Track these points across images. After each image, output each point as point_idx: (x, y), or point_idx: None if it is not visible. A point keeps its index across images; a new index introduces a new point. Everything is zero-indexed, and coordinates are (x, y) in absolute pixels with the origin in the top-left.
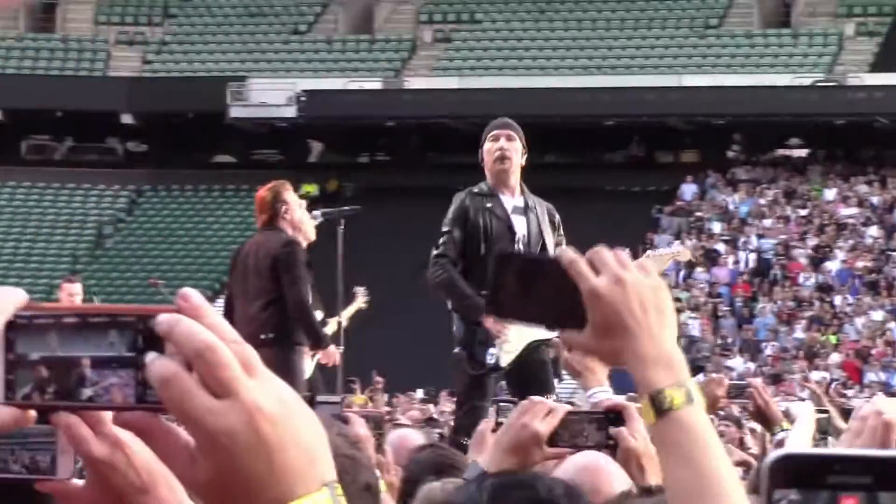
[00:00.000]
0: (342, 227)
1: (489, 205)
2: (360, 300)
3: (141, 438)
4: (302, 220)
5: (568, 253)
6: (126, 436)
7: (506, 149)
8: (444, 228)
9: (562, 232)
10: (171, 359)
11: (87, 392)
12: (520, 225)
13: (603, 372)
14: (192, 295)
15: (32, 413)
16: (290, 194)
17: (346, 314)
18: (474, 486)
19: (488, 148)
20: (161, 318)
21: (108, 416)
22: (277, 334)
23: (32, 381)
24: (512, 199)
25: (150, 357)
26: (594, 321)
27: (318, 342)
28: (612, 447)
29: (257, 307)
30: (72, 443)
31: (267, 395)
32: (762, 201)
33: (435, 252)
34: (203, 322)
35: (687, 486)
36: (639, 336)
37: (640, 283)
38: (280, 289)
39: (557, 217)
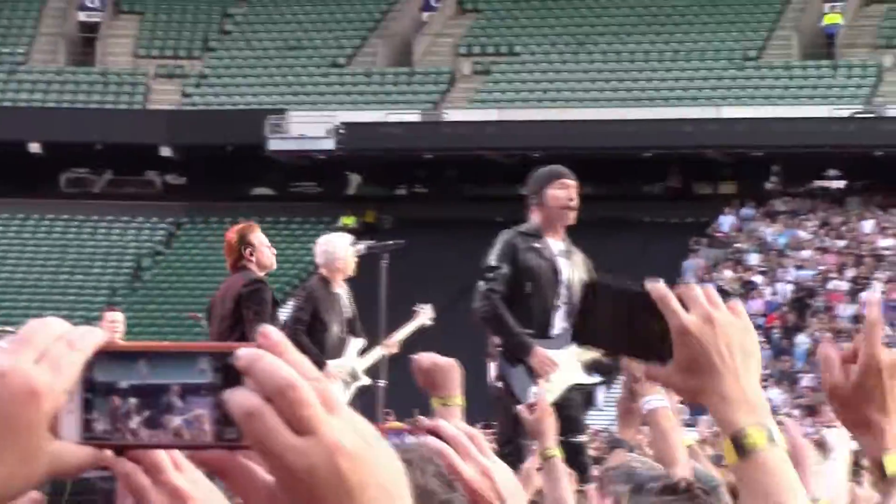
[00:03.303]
0: (386, 260)
1: (537, 245)
2: (424, 317)
3: (220, 476)
4: (271, 262)
5: (660, 287)
6: (185, 485)
7: (574, 199)
8: (493, 263)
9: None
10: (253, 393)
11: (176, 420)
12: (565, 268)
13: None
14: (272, 331)
15: (108, 452)
16: (256, 236)
17: (405, 332)
18: None
19: (559, 195)
20: (241, 353)
21: (167, 464)
22: None
23: (121, 411)
24: (558, 243)
25: (232, 390)
26: (680, 358)
27: None
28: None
29: None
30: (129, 491)
31: (347, 432)
32: (800, 233)
33: (485, 287)
34: (283, 359)
35: None
36: (724, 376)
37: (730, 324)
38: (243, 328)
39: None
